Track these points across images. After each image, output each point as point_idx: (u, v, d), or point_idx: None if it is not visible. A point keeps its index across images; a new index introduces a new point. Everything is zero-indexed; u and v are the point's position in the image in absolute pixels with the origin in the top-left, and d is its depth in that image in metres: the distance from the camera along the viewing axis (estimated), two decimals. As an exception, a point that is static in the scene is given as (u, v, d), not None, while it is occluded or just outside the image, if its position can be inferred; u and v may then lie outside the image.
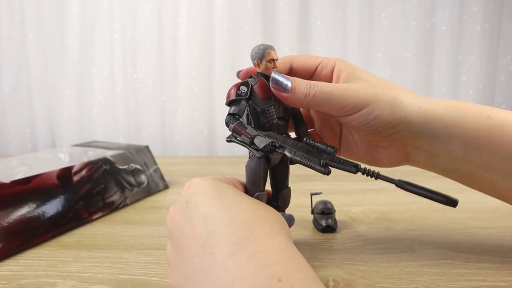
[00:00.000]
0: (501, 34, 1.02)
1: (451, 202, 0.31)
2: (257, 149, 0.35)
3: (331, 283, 0.36)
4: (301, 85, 0.35)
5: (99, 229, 0.50)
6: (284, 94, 0.35)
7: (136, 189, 0.61)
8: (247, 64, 1.05)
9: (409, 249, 0.43)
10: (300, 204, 0.58)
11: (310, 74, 0.40)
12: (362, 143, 0.41)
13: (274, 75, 0.36)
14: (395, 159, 0.40)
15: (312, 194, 0.48)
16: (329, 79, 0.40)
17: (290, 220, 0.38)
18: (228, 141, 0.36)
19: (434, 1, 1.01)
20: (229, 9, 1.00)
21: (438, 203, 0.31)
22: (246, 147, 0.36)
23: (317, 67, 0.40)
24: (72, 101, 1.06)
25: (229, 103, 0.37)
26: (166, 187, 0.69)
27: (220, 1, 1.00)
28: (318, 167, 0.33)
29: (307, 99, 0.35)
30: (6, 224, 0.42)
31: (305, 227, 0.50)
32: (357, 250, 0.43)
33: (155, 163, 0.69)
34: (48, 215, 0.47)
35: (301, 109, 0.41)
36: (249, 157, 0.38)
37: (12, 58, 1.04)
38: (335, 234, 0.47)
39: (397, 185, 0.33)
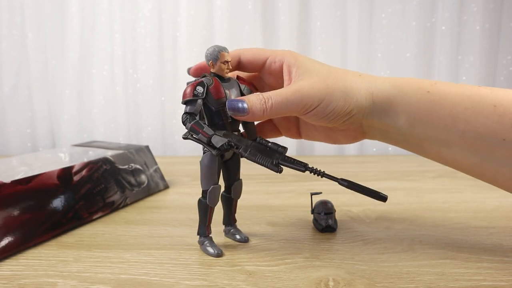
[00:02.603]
0: (501, 34, 1.02)
1: (381, 198, 0.36)
2: (214, 148, 0.38)
3: (331, 283, 0.36)
4: (257, 103, 0.36)
5: (99, 229, 0.50)
6: (244, 117, 0.37)
7: (136, 189, 0.61)
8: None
9: (409, 249, 0.43)
10: (300, 204, 0.58)
11: (259, 68, 0.42)
12: (321, 127, 0.44)
13: (228, 103, 0.37)
14: (352, 137, 0.43)
15: (312, 194, 0.48)
16: (279, 73, 0.41)
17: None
18: (184, 138, 0.39)
19: (434, 1, 1.01)
20: (229, 9, 1.00)
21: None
22: (203, 145, 0.38)
23: (265, 62, 0.41)
24: (72, 101, 1.06)
25: (186, 102, 0.39)
26: (166, 187, 0.69)
27: (220, 1, 1.00)
28: (272, 166, 0.37)
29: (266, 114, 0.37)
30: (7, 224, 0.42)
31: (305, 227, 0.50)
32: (357, 250, 0.43)
33: (155, 163, 0.69)
34: (49, 215, 0.47)
35: None
36: (204, 153, 0.40)
37: (12, 58, 1.04)
38: (335, 234, 0.48)
39: (339, 183, 0.37)
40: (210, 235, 0.43)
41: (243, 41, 1.01)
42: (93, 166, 0.56)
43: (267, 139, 0.39)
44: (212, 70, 0.40)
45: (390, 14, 1.02)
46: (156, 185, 0.66)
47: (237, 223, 0.47)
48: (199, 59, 1.12)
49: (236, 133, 0.40)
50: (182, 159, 1.00)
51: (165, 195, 0.65)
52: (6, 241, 0.42)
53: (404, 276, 0.37)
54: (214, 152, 0.38)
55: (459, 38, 1.02)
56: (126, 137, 1.07)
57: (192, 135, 0.39)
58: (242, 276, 0.37)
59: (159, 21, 1.02)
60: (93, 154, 0.64)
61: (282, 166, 0.37)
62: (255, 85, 0.45)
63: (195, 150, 1.07)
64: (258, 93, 0.38)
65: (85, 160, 0.58)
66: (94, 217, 0.53)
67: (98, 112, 1.06)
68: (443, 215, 0.54)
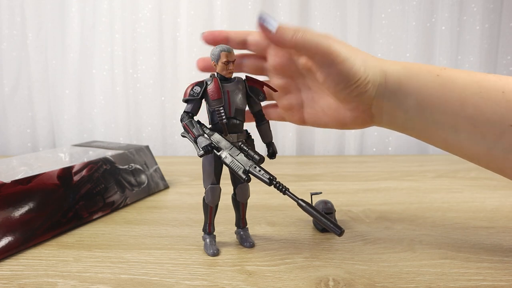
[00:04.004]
0: (500, 34, 1.02)
1: (336, 231, 0.34)
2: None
3: (331, 283, 0.36)
4: (288, 28, 0.37)
5: (99, 229, 0.50)
6: (270, 35, 0.37)
7: (136, 189, 0.61)
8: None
9: (409, 249, 0.43)
10: (300, 204, 0.58)
11: (265, 48, 0.43)
12: (330, 110, 0.43)
13: (260, 15, 0.37)
14: (360, 121, 0.42)
15: (312, 194, 0.48)
16: (287, 53, 0.42)
17: None
18: (182, 136, 0.40)
19: (434, 1, 1.01)
20: (229, 9, 1.01)
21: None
22: (193, 145, 0.39)
23: None
24: (72, 101, 1.06)
25: (185, 101, 0.40)
26: (166, 187, 0.69)
27: (220, 1, 1.00)
28: (240, 174, 0.37)
29: (293, 40, 0.36)
30: (7, 224, 0.43)
31: (305, 227, 0.50)
32: (357, 249, 0.43)
33: (156, 163, 0.69)
34: (49, 215, 0.47)
35: (262, 105, 0.43)
36: None
37: (12, 59, 1.04)
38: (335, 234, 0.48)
39: (298, 204, 0.36)
40: (213, 233, 0.43)
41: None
42: (93, 166, 0.56)
43: (250, 143, 0.40)
44: (216, 70, 0.40)
45: (390, 14, 1.02)
46: (156, 185, 0.66)
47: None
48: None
49: (235, 135, 0.40)
50: (182, 159, 1.00)
51: (165, 195, 0.65)
52: (6, 241, 0.42)
53: (404, 276, 0.37)
54: (198, 153, 0.39)
55: (459, 38, 1.02)
56: (126, 137, 1.07)
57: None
58: (242, 276, 0.37)
59: (159, 21, 1.03)
60: (93, 154, 0.64)
61: (250, 176, 0.37)
62: (269, 85, 0.43)
63: (195, 150, 1.06)
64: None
65: (85, 160, 0.58)
66: (94, 217, 0.53)
67: (98, 112, 1.06)
68: (443, 215, 0.54)
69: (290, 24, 0.37)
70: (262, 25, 0.37)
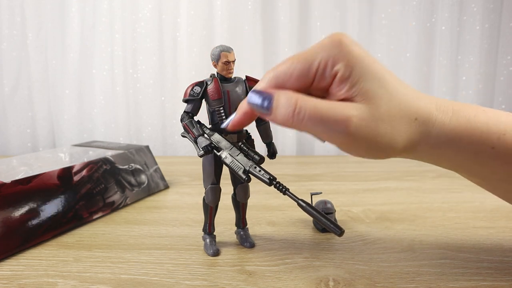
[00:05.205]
0: (500, 34, 1.02)
1: (336, 231, 0.32)
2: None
3: (331, 283, 0.36)
4: (284, 107, 0.28)
5: (99, 229, 0.50)
6: (264, 115, 0.29)
7: (136, 189, 0.61)
8: (247, 64, 1.05)
9: (409, 249, 0.43)
10: (300, 204, 0.58)
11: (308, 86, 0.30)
12: None
13: (250, 94, 0.30)
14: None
15: (312, 194, 0.48)
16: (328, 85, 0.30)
17: None
18: (182, 136, 0.41)
19: (434, 1, 1.01)
20: (229, 9, 1.01)
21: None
22: (193, 145, 0.40)
23: (314, 76, 0.29)
24: (72, 101, 1.06)
25: (186, 101, 0.40)
26: (166, 187, 0.69)
27: (220, 1, 1.00)
28: (240, 174, 0.37)
29: (291, 124, 0.28)
30: (7, 224, 0.43)
31: (305, 227, 0.50)
32: (357, 250, 0.43)
33: (156, 163, 0.69)
34: (49, 215, 0.47)
35: None
36: None
37: (12, 59, 1.04)
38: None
39: (298, 204, 0.34)
40: (213, 233, 0.43)
41: (243, 41, 1.01)
42: (93, 166, 0.56)
43: (248, 146, 0.39)
44: (216, 70, 0.40)
45: (390, 14, 1.02)
46: (156, 185, 0.66)
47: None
48: (199, 59, 1.13)
49: (235, 135, 0.40)
50: (182, 159, 1.00)
51: (165, 195, 0.65)
52: (6, 241, 0.42)
53: (404, 276, 0.37)
54: (198, 153, 0.39)
55: (459, 38, 1.02)
56: (126, 137, 1.07)
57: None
58: (242, 276, 0.37)
59: (159, 21, 1.03)
60: (93, 154, 0.64)
61: (250, 176, 0.37)
62: None
63: (195, 150, 1.06)
64: (291, 93, 0.28)
65: (85, 160, 0.58)
66: (94, 217, 0.53)
67: (98, 112, 1.06)
68: (443, 215, 0.54)
69: (285, 98, 0.28)
70: (254, 107, 0.29)
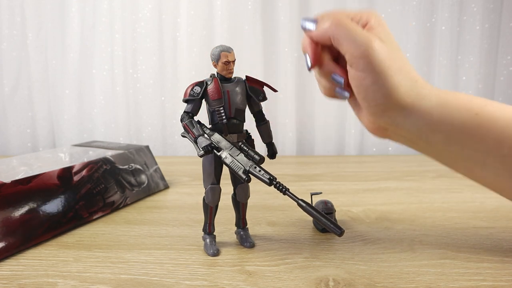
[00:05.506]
0: (500, 34, 1.02)
1: (337, 231, 0.34)
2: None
3: (331, 283, 0.36)
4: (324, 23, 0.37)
5: (99, 229, 0.50)
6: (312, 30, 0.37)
7: (136, 189, 0.61)
8: (247, 64, 1.05)
9: (409, 249, 0.43)
10: (300, 204, 0.59)
11: None
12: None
13: (303, 19, 0.38)
14: (373, 128, 0.37)
15: (312, 194, 0.48)
16: None
17: None
18: (182, 136, 0.41)
19: (434, 1, 1.01)
20: (229, 9, 1.00)
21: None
22: (193, 145, 0.40)
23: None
24: (72, 101, 1.06)
25: (186, 101, 0.40)
26: (166, 187, 0.69)
27: (220, 1, 1.00)
28: (240, 174, 0.37)
29: (328, 31, 0.36)
30: (7, 224, 0.43)
31: (305, 227, 0.50)
32: (357, 250, 0.43)
33: (156, 163, 0.69)
34: (49, 215, 0.47)
35: (261, 108, 0.43)
36: None
37: (12, 59, 1.04)
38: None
39: (298, 204, 0.36)
40: (213, 233, 0.43)
41: (243, 41, 1.01)
42: (93, 166, 0.56)
43: (248, 145, 0.39)
44: (216, 70, 0.40)
45: (390, 14, 1.02)
46: (156, 185, 0.66)
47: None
48: (199, 59, 1.13)
49: (235, 135, 0.40)
50: (182, 159, 1.00)
51: (165, 195, 0.65)
52: (6, 241, 0.42)
53: (404, 276, 0.37)
54: (198, 153, 0.39)
55: (459, 38, 1.02)
56: (126, 137, 1.07)
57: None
58: (242, 276, 0.37)
59: (159, 21, 1.03)
60: (93, 154, 0.64)
61: (250, 176, 0.37)
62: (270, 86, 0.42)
63: (195, 150, 1.06)
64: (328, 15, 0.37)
65: (85, 160, 0.58)
66: (94, 217, 0.53)
67: (98, 112, 1.06)
68: (443, 215, 0.54)
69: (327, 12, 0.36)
70: (305, 30, 0.37)
